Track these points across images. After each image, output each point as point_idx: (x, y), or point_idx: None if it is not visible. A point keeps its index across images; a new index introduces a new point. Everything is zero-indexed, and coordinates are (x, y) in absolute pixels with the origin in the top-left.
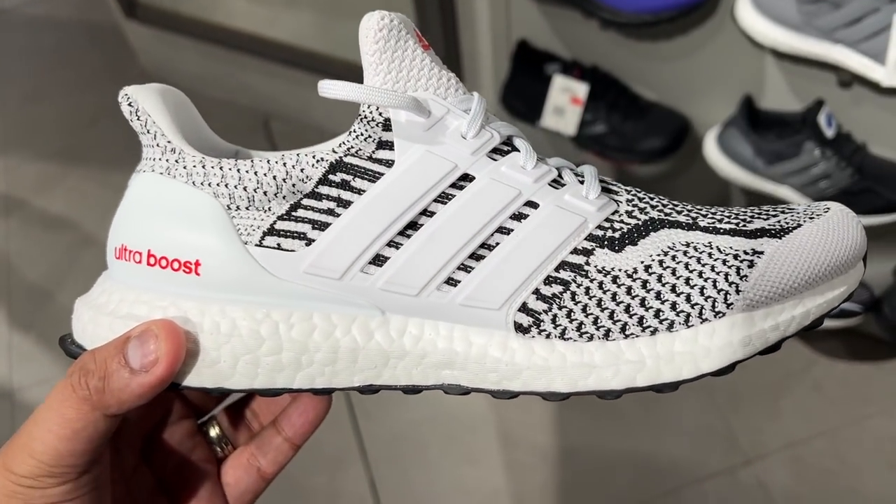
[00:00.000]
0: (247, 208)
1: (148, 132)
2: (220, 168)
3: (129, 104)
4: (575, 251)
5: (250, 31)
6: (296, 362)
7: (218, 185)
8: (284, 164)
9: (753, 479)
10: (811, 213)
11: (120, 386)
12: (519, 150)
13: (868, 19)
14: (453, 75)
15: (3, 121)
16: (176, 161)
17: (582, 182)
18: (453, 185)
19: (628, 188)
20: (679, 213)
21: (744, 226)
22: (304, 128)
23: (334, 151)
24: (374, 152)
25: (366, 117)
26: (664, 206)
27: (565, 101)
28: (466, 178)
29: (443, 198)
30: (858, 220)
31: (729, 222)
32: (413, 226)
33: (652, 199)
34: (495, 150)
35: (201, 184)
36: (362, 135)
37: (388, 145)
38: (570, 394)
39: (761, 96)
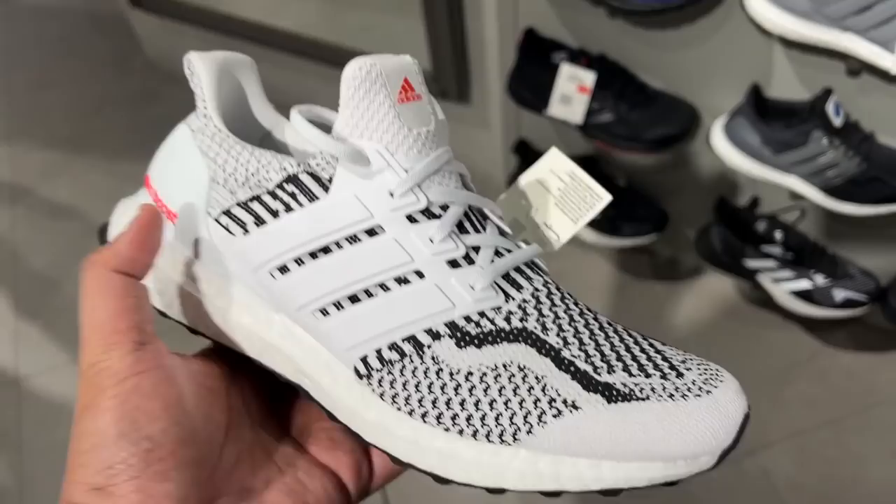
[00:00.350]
0: (223, 185)
1: (197, 94)
2: (219, 145)
3: (188, 67)
4: (427, 331)
5: (256, 20)
6: (209, 315)
7: (214, 157)
8: (258, 160)
9: (758, 469)
10: (683, 391)
11: (114, 243)
12: (437, 218)
13: (878, 7)
14: (423, 132)
15: (8, 109)
16: (205, 125)
17: (480, 270)
18: (366, 232)
19: (544, 290)
20: (556, 334)
21: (596, 374)
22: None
23: (298, 166)
24: (323, 179)
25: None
26: (553, 321)
27: (572, 90)
28: (375, 231)
29: (350, 239)
30: (736, 421)
31: (592, 363)
32: (318, 253)
33: (552, 310)
34: (416, 214)
35: (205, 151)
36: (321, 162)
37: (333, 179)
38: (369, 444)
39: (769, 85)
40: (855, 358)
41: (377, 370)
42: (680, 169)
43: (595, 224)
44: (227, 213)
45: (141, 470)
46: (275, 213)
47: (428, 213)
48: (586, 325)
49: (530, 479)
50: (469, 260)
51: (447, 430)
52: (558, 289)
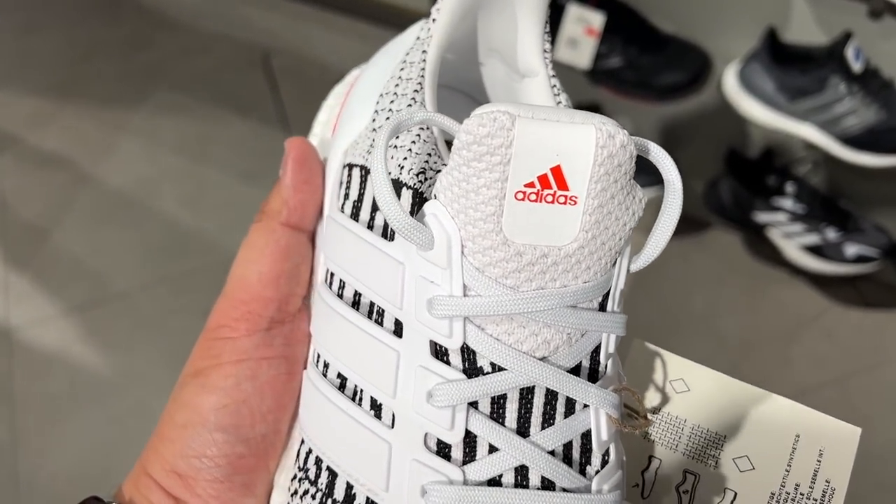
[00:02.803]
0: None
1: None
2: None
3: None
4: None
5: None
6: None
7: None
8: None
9: None
10: None
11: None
12: (470, 379)
13: None
14: (534, 254)
15: None
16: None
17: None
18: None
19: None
20: None
21: None
22: (306, 63)
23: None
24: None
25: None
26: None
27: (579, 32)
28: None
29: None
30: None
31: None
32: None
33: None
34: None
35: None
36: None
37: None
38: None
39: (786, 28)
40: (864, 315)
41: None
42: (689, 118)
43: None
44: None
45: (227, 475)
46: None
47: (470, 365)
48: None
49: None
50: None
51: None
52: None
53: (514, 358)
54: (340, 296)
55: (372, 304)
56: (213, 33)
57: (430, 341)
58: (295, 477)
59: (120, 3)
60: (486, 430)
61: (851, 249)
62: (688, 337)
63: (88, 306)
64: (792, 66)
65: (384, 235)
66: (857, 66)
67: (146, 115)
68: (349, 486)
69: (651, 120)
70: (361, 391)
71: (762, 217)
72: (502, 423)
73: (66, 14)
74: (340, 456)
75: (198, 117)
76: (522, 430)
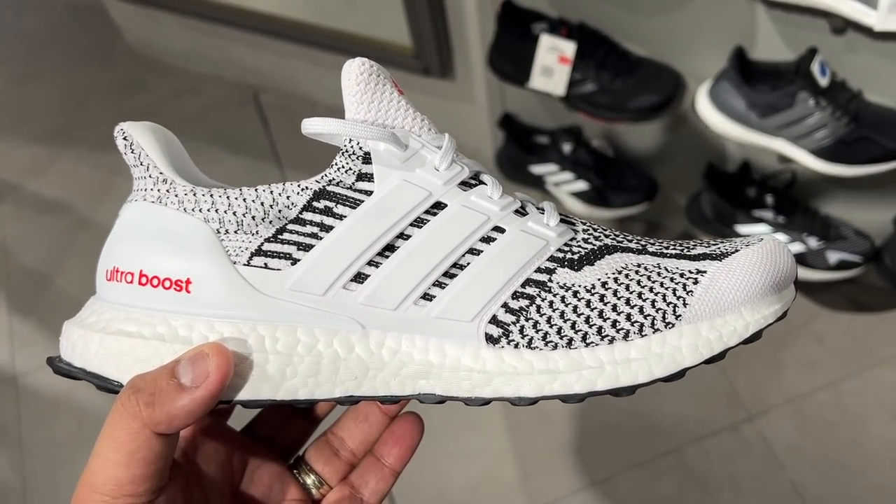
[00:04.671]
0: (235, 232)
1: (141, 164)
2: (211, 195)
3: (125, 138)
4: (538, 270)
5: (234, 3)
6: (280, 374)
7: (208, 210)
8: (271, 191)
9: (756, 435)
10: (747, 242)
11: (170, 401)
12: (486, 184)
13: None
14: (426, 118)
15: None
16: (167, 190)
17: (543, 213)
18: (427, 212)
19: (584, 221)
20: (630, 241)
21: (687, 251)
22: (294, 99)
23: (318, 182)
24: (354, 183)
25: (347, 151)
26: (616, 236)
27: (553, 61)
28: (439, 205)
29: (418, 222)
30: (789, 249)
31: (674, 248)
32: (391, 247)
33: (605, 230)
34: (465, 182)
35: (192, 210)
36: (343, 167)
37: (367, 177)
38: (537, 398)
39: (753, 47)
40: (852, 319)
41: (513, 322)
42: (667, 136)
43: (584, 196)
44: (259, 252)
45: None
46: (320, 230)
47: (476, 180)
48: (642, 237)
49: (702, 348)
50: (524, 211)
51: (596, 345)
52: (591, 223)
53: (476, 164)
54: (376, 263)
55: (403, 230)
56: (203, 74)
57: (459, 184)
58: (511, 334)
59: (111, 49)
60: None
61: (834, 256)
62: None
63: None
64: (761, 84)
65: (355, 204)
66: (823, 81)
67: None
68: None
69: (630, 139)
70: (471, 248)
71: (744, 229)
72: None
73: (59, 62)
74: (514, 276)
75: (191, 156)
76: None
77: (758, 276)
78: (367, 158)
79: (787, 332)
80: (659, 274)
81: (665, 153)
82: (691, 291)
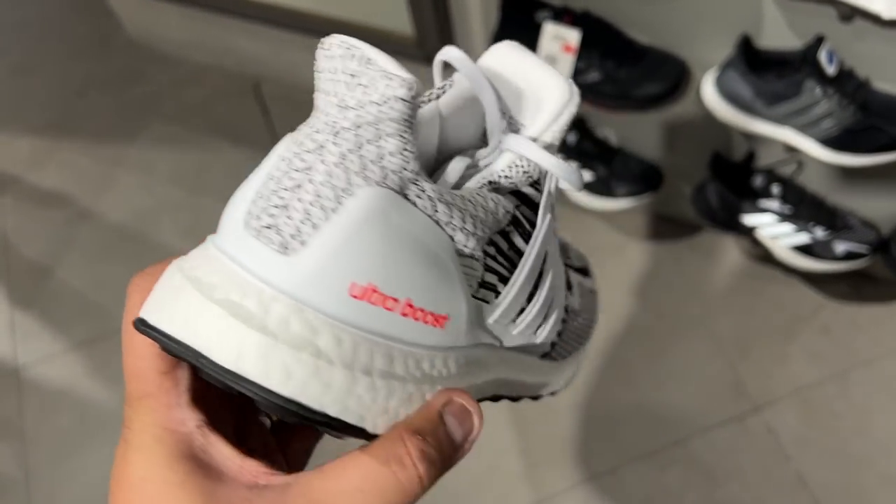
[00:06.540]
0: (468, 255)
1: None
2: (442, 201)
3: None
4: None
5: None
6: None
7: (447, 224)
8: (494, 203)
9: (762, 426)
10: None
11: (450, 461)
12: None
13: None
14: None
15: None
16: (416, 178)
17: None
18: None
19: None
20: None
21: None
22: (295, 89)
23: (508, 212)
24: (525, 212)
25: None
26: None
27: (557, 50)
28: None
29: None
30: None
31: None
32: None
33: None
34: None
35: (436, 219)
36: (510, 183)
37: (534, 206)
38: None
39: (760, 35)
40: (858, 310)
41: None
42: (673, 125)
43: (589, 186)
44: (482, 283)
45: None
46: (513, 262)
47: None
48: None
49: None
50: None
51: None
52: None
53: None
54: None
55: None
56: (204, 64)
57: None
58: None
59: (111, 39)
60: None
61: (841, 247)
62: (685, 340)
63: (94, 340)
64: (768, 72)
65: (527, 237)
66: (831, 69)
67: (142, 148)
68: None
69: (635, 129)
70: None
71: (750, 219)
72: None
73: (59, 53)
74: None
75: (192, 147)
76: None
77: None
78: (535, 187)
79: (794, 323)
80: None
81: (670, 143)
82: None
